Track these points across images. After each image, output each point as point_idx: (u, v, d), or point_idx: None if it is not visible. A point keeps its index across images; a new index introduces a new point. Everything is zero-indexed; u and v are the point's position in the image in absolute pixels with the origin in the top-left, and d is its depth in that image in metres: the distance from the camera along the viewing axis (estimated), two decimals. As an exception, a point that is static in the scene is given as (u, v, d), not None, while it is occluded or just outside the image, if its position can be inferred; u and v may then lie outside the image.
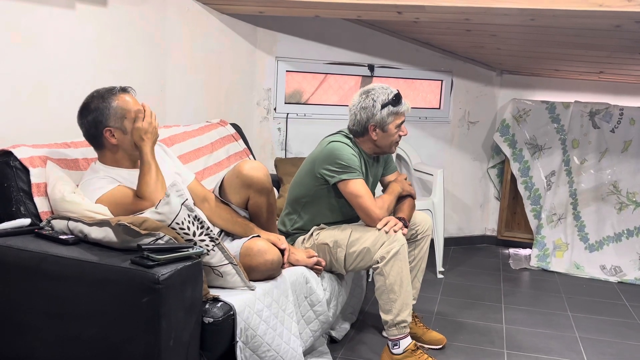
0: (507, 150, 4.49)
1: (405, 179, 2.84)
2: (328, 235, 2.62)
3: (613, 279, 4.08)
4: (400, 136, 2.68)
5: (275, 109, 4.04)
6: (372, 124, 2.62)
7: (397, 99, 2.61)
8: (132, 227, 1.76)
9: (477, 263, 4.33)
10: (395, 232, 2.50)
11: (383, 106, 2.60)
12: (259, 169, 2.37)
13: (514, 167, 4.49)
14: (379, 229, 2.52)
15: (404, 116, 2.66)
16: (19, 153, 2.03)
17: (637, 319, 3.36)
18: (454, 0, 2.85)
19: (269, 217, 2.48)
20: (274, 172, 3.54)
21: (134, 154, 2.15)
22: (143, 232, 1.77)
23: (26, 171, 2.02)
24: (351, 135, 2.69)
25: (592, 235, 4.32)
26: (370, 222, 2.56)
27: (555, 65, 4.36)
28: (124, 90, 2.14)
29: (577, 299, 3.65)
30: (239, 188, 2.39)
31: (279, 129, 4.07)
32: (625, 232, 4.27)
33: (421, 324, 2.87)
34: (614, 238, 4.28)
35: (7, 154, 2.03)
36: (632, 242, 4.24)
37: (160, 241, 1.79)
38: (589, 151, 4.33)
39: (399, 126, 2.64)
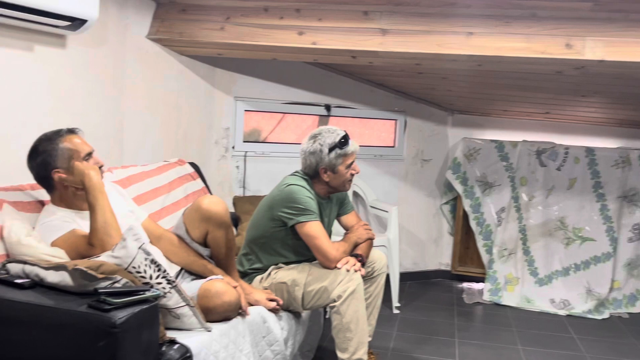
0: (459, 188, 4.63)
1: (365, 225, 2.89)
2: (286, 274, 2.66)
3: (562, 312, 4.22)
4: (352, 174, 2.76)
5: (233, 147, 4.09)
6: (322, 167, 2.69)
7: (344, 141, 2.69)
8: (89, 271, 1.77)
9: (432, 298, 4.42)
10: (355, 272, 2.56)
11: (330, 150, 2.67)
12: (218, 203, 2.42)
13: (466, 204, 4.63)
14: (339, 268, 2.58)
15: (353, 156, 2.73)
16: (-26, 196, 2.03)
17: (584, 351, 3.48)
18: (405, 46, 2.98)
19: (227, 253, 2.50)
20: (233, 211, 3.57)
21: (78, 190, 2.16)
22: (100, 276, 1.78)
23: (-19, 215, 2.01)
24: (307, 177, 2.76)
25: (542, 269, 4.47)
26: (327, 263, 2.60)
27: (503, 106, 4.55)
28: (71, 131, 2.18)
29: (528, 333, 3.76)
30: (198, 222, 2.42)
31: (237, 167, 4.11)
32: (573, 266, 4.43)
33: (377, 361, 2.92)
34: (562, 272, 4.44)
35: (-38, 197, 2.02)
36: (580, 276, 4.40)
37: (117, 284, 1.80)
38: (537, 188, 4.51)
39: (349, 166, 2.72)
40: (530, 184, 4.51)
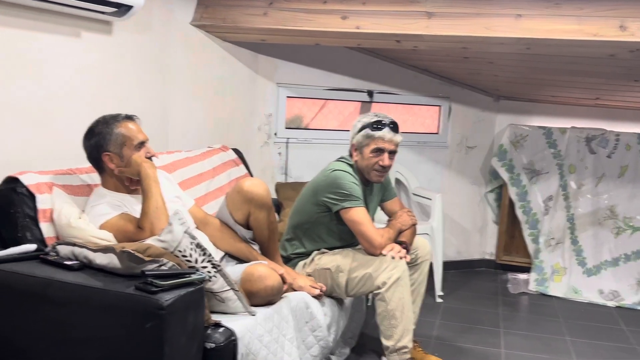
0: (504, 175, 4.53)
1: (408, 211, 2.86)
2: (329, 260, 2.65)
3: (611, 304, 4.10)
4: (381, 166, 2.68)
5: (275, 134, 4.09)
6: (353, 143, 2.71)
7: (376, 125, 2.65)
8: (136, 253, 1.79)
9: (476, 287, 4.35)
10: (400, 258, 2.53)
11: (362, 128, 2.68)
12: (259, 184, 2.44)
13: (512, 192, 4.53)
14: (384, 255, 2.55)
15: (381, 143, 2.65)
16: (26, 179, 2.07)
17: (635, 343, 3.37)
18: (452, 29, 2.91)
19: (270, 236, 2.52)
20: (275, 197, 3.57)
21: (132, 181, 2.20)
22: (147, 258, 1.80)
23: (32, 197, 2.05)
24: (352, 162, 2.73)
25: (590, 259, 4.35)
26: (371, 250, 2.58)
27: (551, 91, 4.43)
28: (128, 117, 2.21)
29: (575, 324, 3.67)
30: (240, 204, 2.44)
31: (279, 153, 4.11)
32: (623, 256, 4.30)
33: (420, 349, 2.88)
34: (611, 262, 4.30)
35: (14, 180, 2.07)
36: (630, 266, 4.26)
37: (163, 267, 1.81)
38: (586, 176, 4.38)
39: (375, 152, 2.66)
40: (579, 172, 4.39)
